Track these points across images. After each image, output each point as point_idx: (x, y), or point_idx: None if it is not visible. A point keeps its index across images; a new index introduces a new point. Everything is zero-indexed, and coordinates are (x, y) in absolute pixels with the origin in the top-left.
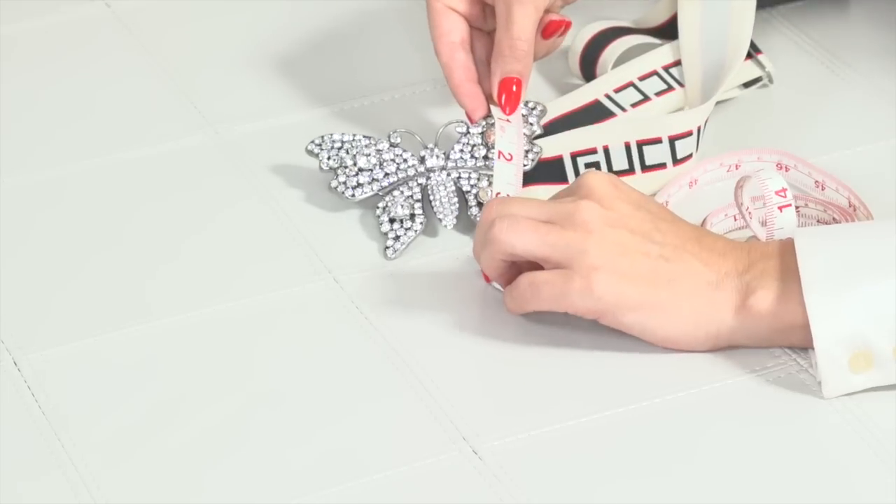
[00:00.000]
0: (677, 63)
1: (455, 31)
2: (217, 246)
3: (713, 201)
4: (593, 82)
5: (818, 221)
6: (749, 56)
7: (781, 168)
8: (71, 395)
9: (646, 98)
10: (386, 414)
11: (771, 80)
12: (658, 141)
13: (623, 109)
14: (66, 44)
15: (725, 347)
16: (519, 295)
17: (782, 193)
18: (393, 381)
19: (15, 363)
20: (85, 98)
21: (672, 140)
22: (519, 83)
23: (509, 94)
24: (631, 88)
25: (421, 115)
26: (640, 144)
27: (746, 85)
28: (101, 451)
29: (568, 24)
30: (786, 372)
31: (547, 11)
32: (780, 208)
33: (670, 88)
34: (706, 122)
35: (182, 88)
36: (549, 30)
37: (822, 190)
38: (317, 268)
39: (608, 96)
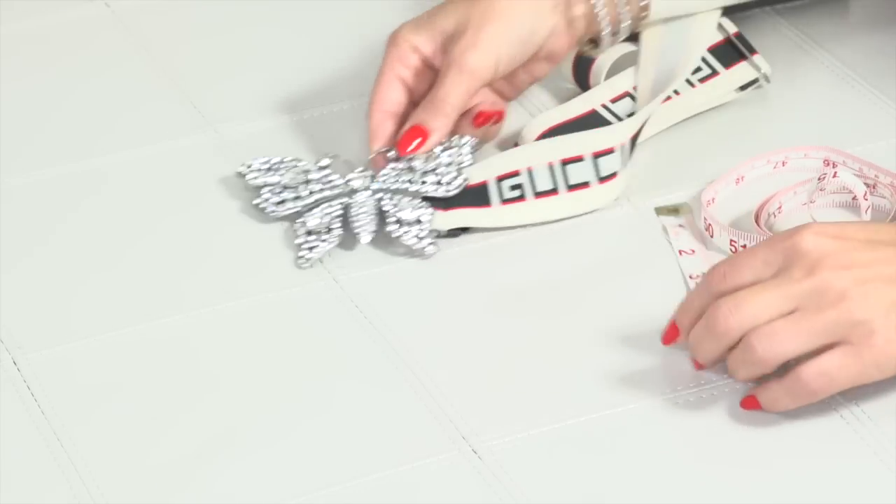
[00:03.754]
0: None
1: (395, 102)
2: (217, 246)
3: (760, 197)
4: (589, 92)
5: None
6: (743, 57)
7: (829, 164)
8: (71, 395)
9: None
10: (386, 414)
11: (768, 80)
12: (580, 159)
13: (619, 119)
14: (66, 44)
15: None
16: (805, 388)
17: (866, 197)
18: (393, 380)
19: (15, 363)
20: (84, 98)
21: (595, 157)
22: (426, 136)
23: (408, 139)
24: (627, 99)
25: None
26: (564, 163)
27: (743, 88)
28: (101, 451)
29: (500, 115)
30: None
31: (495, 91)
32: (866, 211)
33: (667, 98)
34: (636, 137)
35: (182, 88)
36: (478, 119)
37: (874, 188)
38: (316, 267)
39: (605, 107)
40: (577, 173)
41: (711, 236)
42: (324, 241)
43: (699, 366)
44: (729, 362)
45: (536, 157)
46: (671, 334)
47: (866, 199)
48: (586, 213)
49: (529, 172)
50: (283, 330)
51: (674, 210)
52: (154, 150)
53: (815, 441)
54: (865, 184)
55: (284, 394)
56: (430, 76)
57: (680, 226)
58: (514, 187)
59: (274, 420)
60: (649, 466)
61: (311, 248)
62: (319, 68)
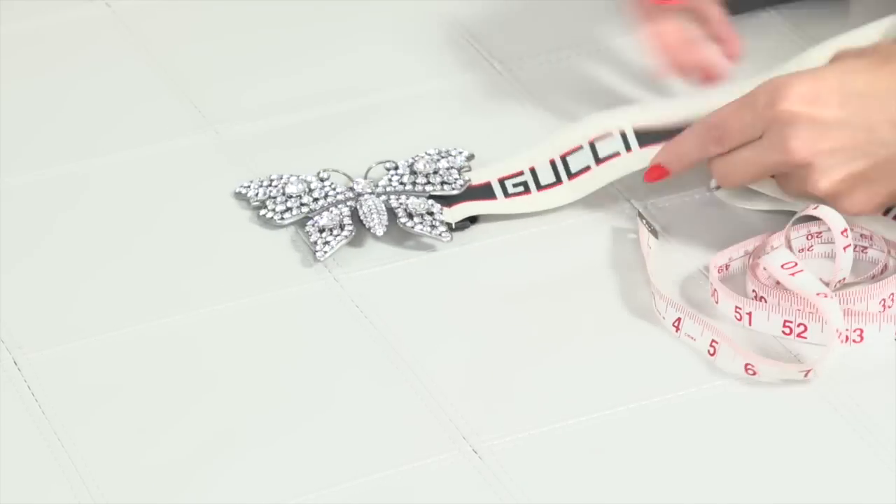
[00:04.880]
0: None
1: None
2: (217, 245)
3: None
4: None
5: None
6: None
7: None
8: (71, 395)
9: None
10: (386, 413)
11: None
12: (579, 148)
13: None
14: (66, 44)
15: None
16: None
17: (845, 234)
18: (393, 380)
19: (15, 363)
20: (84, 98)
21: (592, 144)
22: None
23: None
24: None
25: (418, 115)
26: (564, 157)
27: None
28: (101, 451)
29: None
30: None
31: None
32: (844, 248)
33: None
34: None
35: (182, 88)
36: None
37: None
38: (317, 267)
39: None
40: (577, 161)
41: (717, 302)
42: (337, 236)
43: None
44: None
45: (538, 157)
46: (657, 174)
47: (845, 236)
48: (587, 214)
49: (532, 171)
50: (283, 330)
51: (653, 231)
52: (154, 150)
53: (814, 441)
54: (862, 234)
55: (284, 393)
56: None
57: (649, 246)
58: (517, 185)
59: (274, 420)
60: (649, 466)
61: (325, 243)
62: (320, 68)
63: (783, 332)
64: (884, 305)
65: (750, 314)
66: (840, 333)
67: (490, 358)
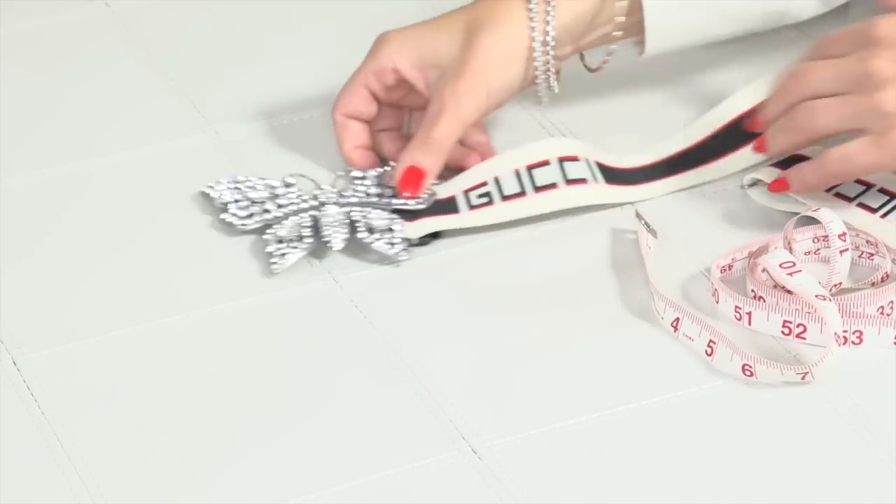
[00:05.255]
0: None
1: (358, 111)
2: (216, 245)
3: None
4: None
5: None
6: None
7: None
8: (71, 395)
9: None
10: (386, 413)
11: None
12: (546, 163)
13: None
14: (66, 44)
15: None
16: (827, 169)
17: (843, 237)
18: (393, 380)
19: (15, 363)
20: (84, 98)
21: (561, 161)
22: (422, 177)
23: (408, 181)
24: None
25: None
26: (529, 169)
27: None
28: (101, 451)
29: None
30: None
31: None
32: (841, 252)
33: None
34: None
35: (182, 88)
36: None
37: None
38: (316, 268)
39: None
40: (543, 176)
41: (717, 302)
42: (295, 248)
43: (762, 148)
44: (769, 132)
45: (503, 167)
46: (756, 124)
47: (842, 240)
48: (587, 214)
49: (496, 181)
50: (283, 330)
51: (651, 231)
52: (154, 150)
53: (814, 441)
54: (868, 241)
55: (284, 394)
56: (403, 91)
57: (648, 246)
58: (481, 195)
59: (273, 420)
60: (649, 466)
61: (282, 255)
62: (320, 68)
63: (782, 332)
64: (882, 312)
65: (750, 314)
66: (838, 336)
67: (490, 358)
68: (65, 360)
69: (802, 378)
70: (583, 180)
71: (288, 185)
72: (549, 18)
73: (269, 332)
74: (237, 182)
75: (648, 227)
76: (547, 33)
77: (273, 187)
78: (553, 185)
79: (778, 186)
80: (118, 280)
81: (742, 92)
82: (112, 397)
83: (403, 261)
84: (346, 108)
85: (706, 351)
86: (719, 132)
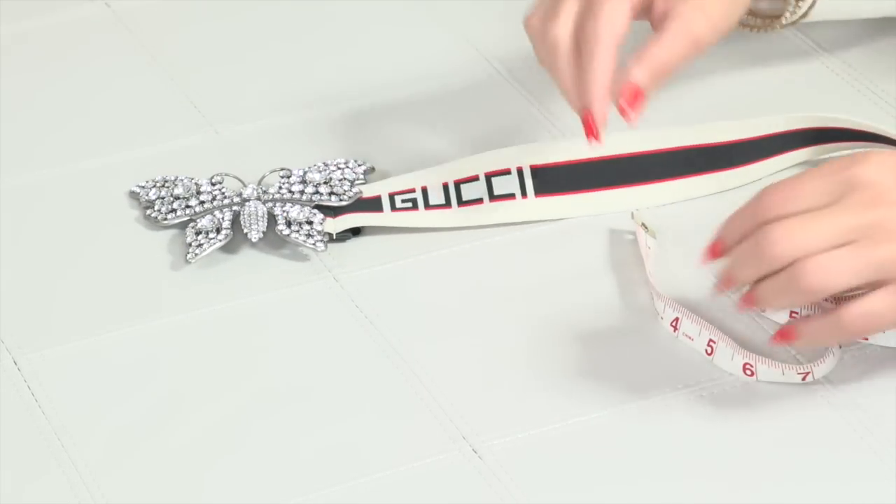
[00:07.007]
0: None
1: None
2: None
3: None
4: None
5: None
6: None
7: None
8: (71, 395)
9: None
10: (386, 413)
11: None
12: (475, 179)
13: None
14: (66, 44)
15: None
16: (848, 329)
17: None
18: (393, 380)
19: (15, 363)
20: (85, 98)
21: (488, 177)
22: (643, 98)
23: (633, 102)
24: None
25: (418, 115)
26: (457, 184)
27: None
28: (101, 451)
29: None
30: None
31: None
32: None
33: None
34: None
35: (182, 88)
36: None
37: None
38: (317, 267)
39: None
40: (469, 191)
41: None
42: (211, 239)
43: (727, 285)
44: (763, 288)
45: (432, 178)
46: (715, 251)
47: None
48: (586, 214)
49: (423, 190)
50: (283, 330)
51: (652, 233)
52: (154, 150)
53: (814, 441)
54: None
55: (284, 394)
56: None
57: (647, 246)
58: (406, 200)
59: (273, 420)
60: (649, 466)
61: (199, 246)
62: (320, 68)
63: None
64: None
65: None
66: None
67: (490, 358)
68: (65, 360)
69: (803, 378)
70: (510, 196)
71: (213, 184)
72: None
73: (269, 331)
74: (164, 180)
75: (647, 227)
76: None
77: (198, 185)
78: (479, 201)
79: (783, 338)
80: (119, 279)
81: (774, 119)
82: (112, 397)
83: (320, 251)
84: (621, 34)
85: (706, 350)
86: (740, 142)
